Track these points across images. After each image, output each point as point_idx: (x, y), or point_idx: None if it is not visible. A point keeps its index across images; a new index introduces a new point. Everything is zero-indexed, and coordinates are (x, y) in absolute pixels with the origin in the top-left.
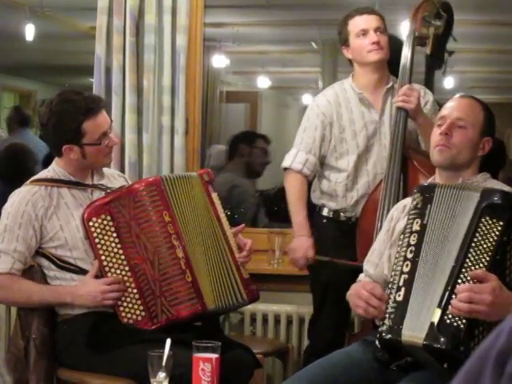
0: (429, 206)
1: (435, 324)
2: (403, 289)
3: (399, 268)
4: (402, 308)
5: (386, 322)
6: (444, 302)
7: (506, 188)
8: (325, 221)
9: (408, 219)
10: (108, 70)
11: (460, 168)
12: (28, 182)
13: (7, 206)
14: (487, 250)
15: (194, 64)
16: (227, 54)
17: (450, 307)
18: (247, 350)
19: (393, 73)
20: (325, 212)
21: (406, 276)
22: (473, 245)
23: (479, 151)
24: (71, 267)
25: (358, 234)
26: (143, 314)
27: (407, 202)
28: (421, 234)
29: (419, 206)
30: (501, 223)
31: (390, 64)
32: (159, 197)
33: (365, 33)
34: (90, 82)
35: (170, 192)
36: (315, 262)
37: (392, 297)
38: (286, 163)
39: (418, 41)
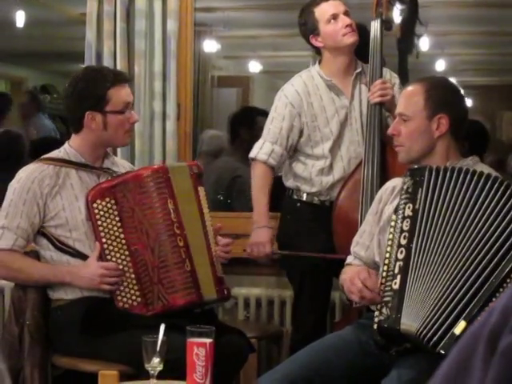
0: (420, 189)
1: (456, 336)
2: (399, 276)
3: (394, 255)
4: (399, 296)
5: (384, 310)
6: (471, 315)
7: (494, 173)
8: (298, 204)
9: (399, 203)
10: (99, 56)
11: (422, 157)
12: (37, 159)
13: (14, 182)
14: None
15: (185, 49)
16: (218, 38)
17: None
18: (241, 335)
19: (361, 58)
20: (299, 195)
21: (401, 263)
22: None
23: (435, 133)
24: (69, 249)
25: (334, 217)
26: (139, 299)
27: (396, 183)
28: (413, 219)
29: (410, 190)
30: None
31: (357, 49)
32: (165, 184)
33: (335, 17)
34: (80, 69)
35: (175, 181)
36: (277, 256)
37: (388, 284)
38: (252, 153)
39: (385, 25)
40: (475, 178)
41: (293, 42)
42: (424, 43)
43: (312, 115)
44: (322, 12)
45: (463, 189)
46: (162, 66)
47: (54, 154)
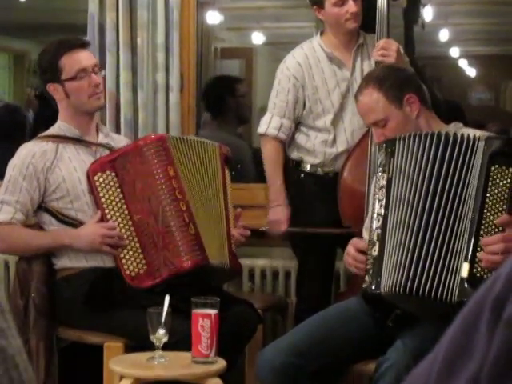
0: (392, 159)
1: (465, 279)
2: (377, 244)
3: (373, 224)
4: (378, 262)
5: (366, 278)
6: (470, 255)
7: (479, 133)
8: (302, 175)
9: (376, 176)
10: (101, 28)
11: None
12: (36, 137)
13: (14, 158)
14: (502, 198)
15: (188, 20)
16: (221, 10)
17: (480, 260)
18: (250, 306)
19: (364, 28)
20: (302, 167)
21: (379, 231)
22: (488, 195)
23: (413, 114)
24: (72, 221)
25: (340, 188)
26: (145, 267)
27: None
28: (388, 187)
29: (384, 161)
30: (510, 170)
31: (363, 20)
32: (164, 152)
33: (343, 2)
34: None
35: (175, 150)
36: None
37: (369, 253)
38: (261, 129)
39: None
40: (435, 138)
41: (296, 13)
42: (427, 13)
43: (313, 87)
44: None
45: (426, 151)
46: (164, 38)
47: (50, 131)
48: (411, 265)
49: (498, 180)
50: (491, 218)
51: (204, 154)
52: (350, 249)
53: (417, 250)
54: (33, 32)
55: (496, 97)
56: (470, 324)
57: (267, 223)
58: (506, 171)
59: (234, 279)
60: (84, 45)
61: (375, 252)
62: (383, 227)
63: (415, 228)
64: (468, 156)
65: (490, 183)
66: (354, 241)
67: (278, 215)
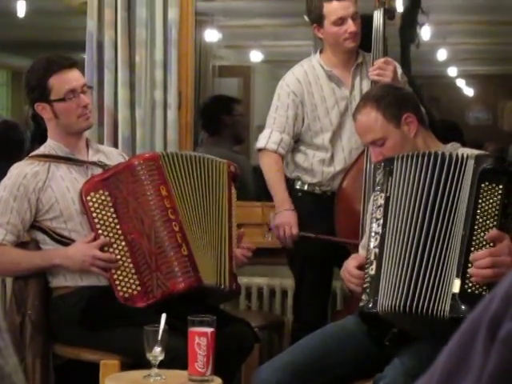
0: (390, 178)
1: (457, 295)
2: (375, 262)
3: (371, 243)
4: (375, 281)
5: (364, 296)
6: (462, 271)
7: (476, 152)
8: (300, 194)
9: (374, 196)
10: (100, 46)
11: None
12: (27, 157)
13: (5, 179)
14: (492, 214)
15: (186, 38)
16: (219, 28)
17: (471, 276)
18: (246, 325)
19: (364, 47)
20: (300, 185)
21: (376, 250)
22: (478, 211)
23: (411, 133)
24: (66, 240)
25: (337, 206)
26: (139, 288)
27: None
28: (385, 206)
29: (382, 180)
30: (500, 186)
31: (362, 38)
32: (157, 171)
33: (342, 21)
34: (82, 58)
35: (167, 168)
36: (299, 239)
37: (366, 271)
38: (260, 144)
39: (388, 14)
40: (432, 158)
41: (294, 32)
42: (425, 32)
43: (312, 104)
44: (331, 11)
45: (423, 170)
46: (162, 55)
47: (41, 150)
48: (408, 284)
49: (488, 197)
50: (482, 234)
51: (209, 171)
52: (348, 264)
53: (414, 269)
54: (31, 49)
55: (493, 116)
56: (467, 342)
57: (274, 227)
58: (496, 188)
59: (231, 300)
60: (73, 64)
61: (372, 271)
62: (381, 246)
63: (413, 247)
64: (457, 174)
65: (480, 200)
66: (353, 256)
67: (288, 218)
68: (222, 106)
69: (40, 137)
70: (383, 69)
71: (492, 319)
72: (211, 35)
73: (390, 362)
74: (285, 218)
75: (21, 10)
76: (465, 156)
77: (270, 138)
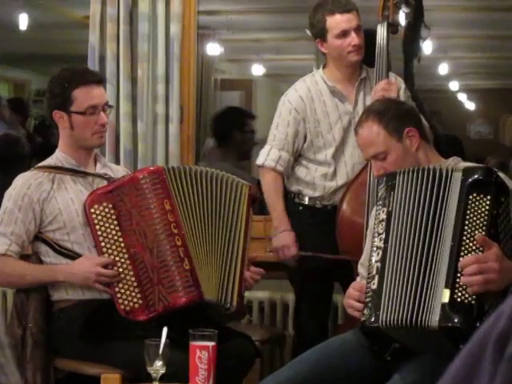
0: (392, 193)
1: (446, 304)
2: (377, 277)
3: (373, 258)
4: (377, 295)
5: (365, 311)
6: (451, 281)
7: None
8: (300, 208)
9: (376, 210)
10: (102, 59)
11: None
12: (33, 167)
13: (10, 189)
14: (481, 225)
15: (188, 52)
16: (221, 41)
17: (460, 285)
18: (248, 339)
19: (367, 62)
20: (301, 199)
21: (379, 264)
22: (466, 222)
23: (412, 147)
24: (68, 252)
25: (339, 220)
26: (140, 302)
27: None
28: (387, 221)
29: (384, 195)
30: (488, 197)
31: (365, 54)
32: (160, 185)
33: (345, 34)
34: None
35: (171, 181)
36: (299, 257)
37: (368, 286)
38: (259, 161)
39: (392, 28)
40: (431, 173)
41: (296, 46)
42: (427, 47)
43: (315, 121)
44: (333, 24)
45: (424, 185)
46: (165, 69)
47: (47, 161)
48: (410, 298)
49: (476, 208)
50: (470, 244)
51: (227, 189)
52: (349, 290)
53: (417, 283)
54: (33, 62)
55: (495, 130)
56: (475, 358)
57: (273, 250)
58: (484, 199)
59: (234, 321)
60: (100, 81)
61: (374, 285)
62: (382, 261)
63: (415, 262)
64: (447, 187)
65: (468, 211)
66: (352, 285)
67: (286, 240)
68: (235, 120)
69: (41, 150)
70: (387, 89)
71: (499, 337)
72: (213, 49)
73: (390, 378)
74: (282, 240)
75: (23, 23)
76: (453, 169)
77: (268, 155)
